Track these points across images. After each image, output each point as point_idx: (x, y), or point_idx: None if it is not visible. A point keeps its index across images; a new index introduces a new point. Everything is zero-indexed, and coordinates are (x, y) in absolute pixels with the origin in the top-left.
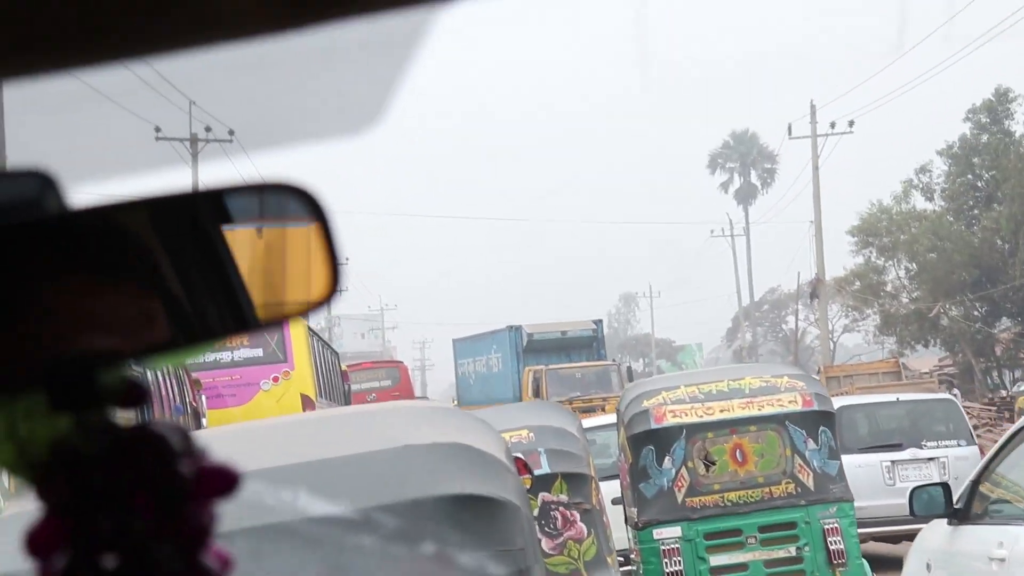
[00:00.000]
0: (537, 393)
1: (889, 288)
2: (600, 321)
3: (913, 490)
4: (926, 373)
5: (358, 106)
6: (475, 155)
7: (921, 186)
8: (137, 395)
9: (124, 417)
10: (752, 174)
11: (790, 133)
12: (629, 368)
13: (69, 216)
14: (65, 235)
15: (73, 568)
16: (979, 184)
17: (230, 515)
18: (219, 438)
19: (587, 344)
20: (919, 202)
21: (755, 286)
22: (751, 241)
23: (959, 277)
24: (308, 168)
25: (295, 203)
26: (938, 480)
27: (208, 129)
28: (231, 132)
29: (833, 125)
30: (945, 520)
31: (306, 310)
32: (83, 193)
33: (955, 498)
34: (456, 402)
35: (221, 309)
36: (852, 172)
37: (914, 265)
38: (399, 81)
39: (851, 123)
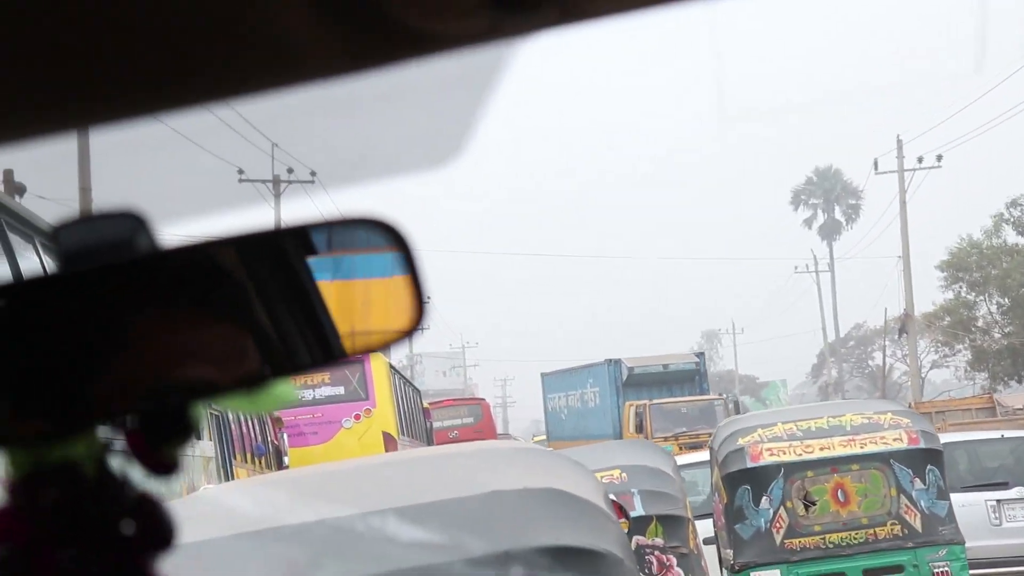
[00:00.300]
0: (640, 429)
1: (980, 323)
2: (702, 354)
3: None
4: (1020, 409)
5: (438, 141)
6: (555, 195)
7: (1012, 220)
8: (174, 465)
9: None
10: (836, 210)
11: (876, 168)
12: (736, 402)
13: (162, 255)
14: (159, 273)
15: (8, 564)
16: None
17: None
18: (305, 480)
19: (689, 378)
20: (1010, 236)
21: (840, 322)
22: (836, 277)
23: None
24: (387, 205)
25: (379, 236)
26: None
27: (290, 171)
28: (313, 173)
29: (920, 160)
30: None
31: (391, 341)
32: (172, 234)
33: None
34: (546, 438)
35: (308, 341)
36: (940, 206)
37: (1006, 300)
38: (479, 116)
39: (939, 157)
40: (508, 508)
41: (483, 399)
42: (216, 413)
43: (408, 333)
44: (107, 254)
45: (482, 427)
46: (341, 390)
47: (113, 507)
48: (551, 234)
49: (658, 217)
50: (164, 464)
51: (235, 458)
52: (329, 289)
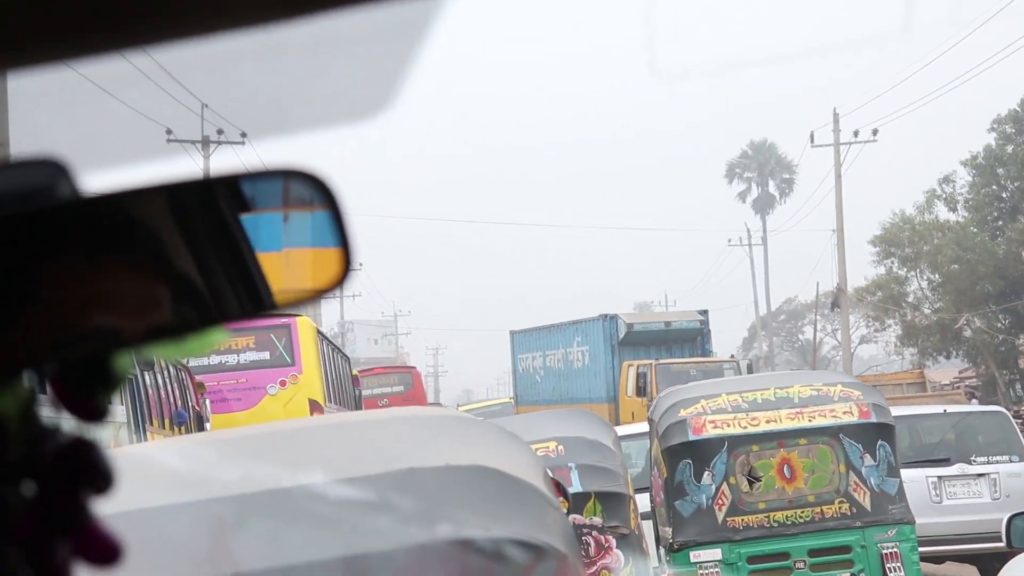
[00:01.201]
0: (642, 392)
1: (911, 299)
2: (706, 312)
3: (1012, 517)
4: (947, 385)
5: (365, 95)
6: (486, 162)
7: (944, 196)
8: (102, 411)
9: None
10: (770, 184)
11: (812, 141)
12: (749, 365)
13: (83, 203)
14: (77, 221)
15: None
16: (1004, 195)
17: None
18: (189, 448)
19: (692, 337)
20: (942, 212)
21: (772, 296)
22: (768, 251)
23: (983, 288)
24: (317, 163)
25: (306, 188)
26: (988, 497)
27: (220, 132)
28: (243, 134)
29: (856, 133)
30: None
31: (320, 293)
32: (97, 184)
33: None
34: (512, 402)
35: (238, 292)
36: (874, 182)
37: (937, 276)
38: (406, 72)
39: (875, 132)
40: (426, 489)
41: (414, 367)
42: (129, 376)
43: (337, 285)
44: (26, 202)
45: (412, 395)
46: (267, 355)
47: (40, 454)
48: (482, 203)
49: (593, 188)
50: (91, 411)
51: (151, 424)
52: (258, 240)
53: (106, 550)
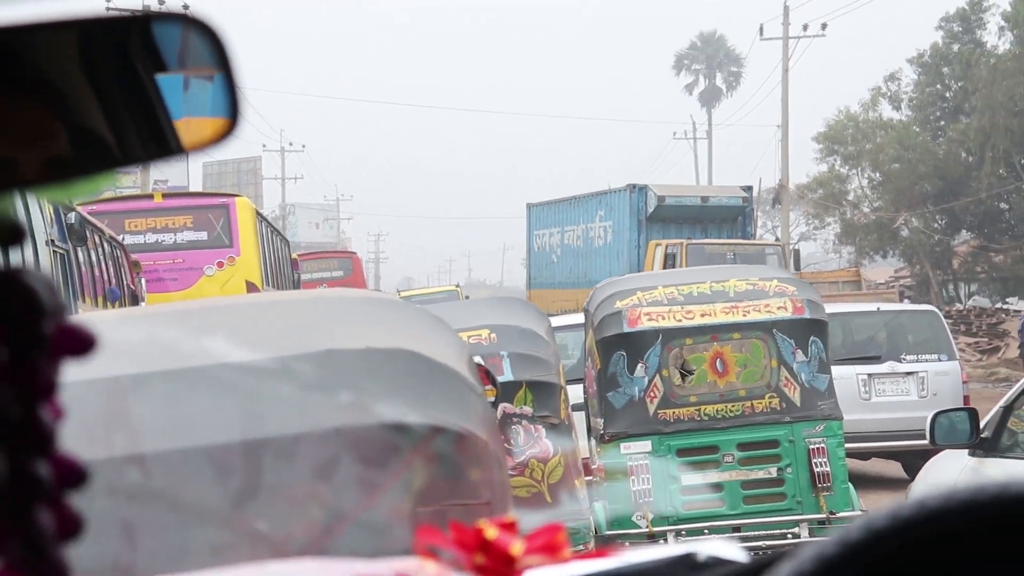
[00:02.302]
0: None
1: (851, 197)
2: (751, 188)
3: (935, 415)
4: (882, 284)
5: None
6: (434, 41)
7: (889, 94)
8: (13, 234)
9: None
10: (718, 77)
11: (761, 34)
12: (796, 251)
13: None
14: None
15: None
16: (947, 95)
17: None
18: (112, 321)
19: (732, 217)
20: (887, 111)
21: None
22: (713, 145)
23: (922, 188)
24: (247, 44)
25: (195, 35)
26: (916, 395)
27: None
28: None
29: (806, 27)
30: (966, 451)
31: (216, 140)
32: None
33: (981, 426)
34: (527, 285)
35: (142, 134)
36: (821, 78)
37: (878, 174)
38: None
39: (824, 26)
40: (344, 373)
41: (354, 252)
42: (61, 252)
43: (228, 133)
44: None
45: (352, 281)
46: (204, 236)
47: None
48: (430, 88)
49: (539, 74)
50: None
51: (83, 301)
52: (162, 84)
53: (81, 340)
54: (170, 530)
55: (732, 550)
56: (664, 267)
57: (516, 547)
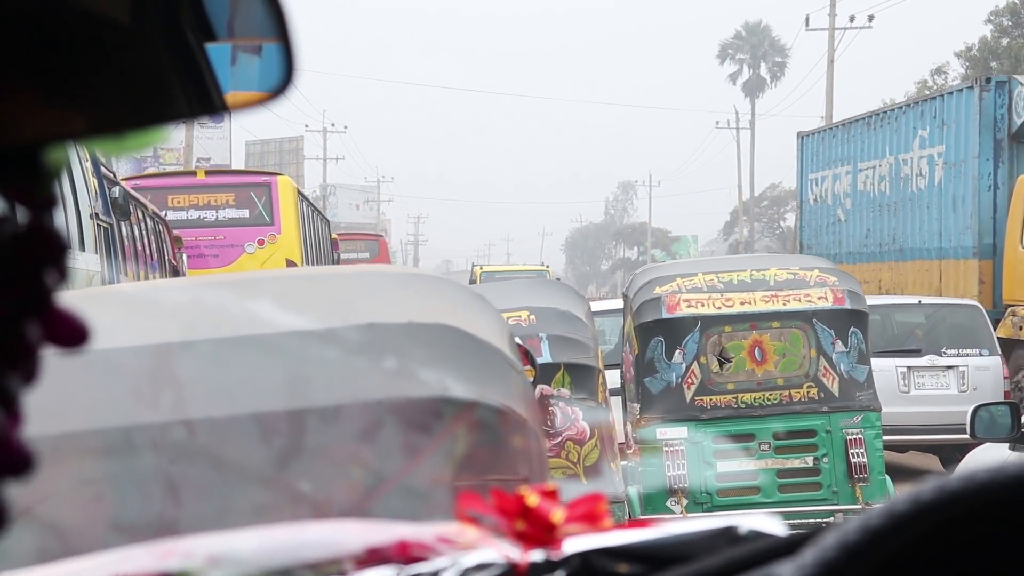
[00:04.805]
0: None
1: None
2: None
3: (976, 409)
4: None
5: None
6: (475, 32)
7: (936, 87)
8: (50, 200)
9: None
10: (762, 67)
11: (807, 25)
12: None
13: None
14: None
15: None
16: None
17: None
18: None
19: None
20: None
21: (756, 181)
22: (756, 135)
23: None
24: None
25: None
26: (955, 390)
27: None
28: None
29: (852, 19)
30: (1007, 445)
31: (266, 100)
32: None
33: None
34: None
35: (187, 90)
36: (866, 71)
37: None
38: None
39: (871, 18)
40: (387, 344)
41: (381, 235)
42: (105, 225)
43: (281, 92)
44: None
45: (377, 263)
46: (246, 213)
47: None
48: (471, 73)
49: (583, 62)
50: (34, 200)
51: (125, 276)
52: (208, 37)
53: (74, 331)
54: (214, 490)
55: (773, 524)
56: None
57: (557, 515)
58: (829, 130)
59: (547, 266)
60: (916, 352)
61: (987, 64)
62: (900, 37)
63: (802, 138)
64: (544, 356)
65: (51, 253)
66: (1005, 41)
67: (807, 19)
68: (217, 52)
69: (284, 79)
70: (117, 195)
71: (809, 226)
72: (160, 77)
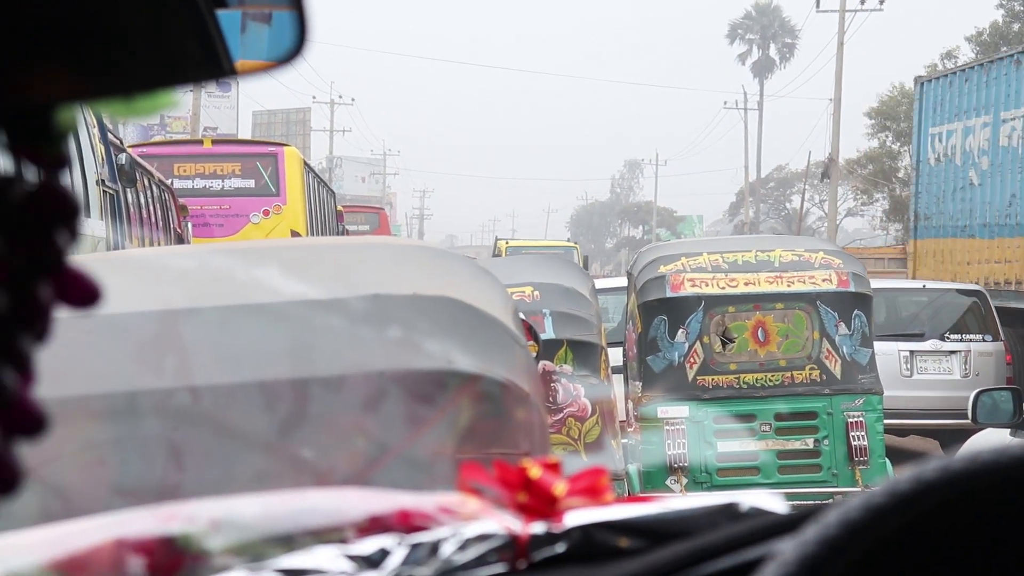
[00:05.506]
0: None
1: (901, 174)
2: None
3: (978, 394)
4: None
5: None
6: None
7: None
8: (61, 159)
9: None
10: (772, 47)
11: (818, 6)
12: None
13: None
14: None
15: None
16: None
17: None
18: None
19: None
20: None
21: (763, 162)
22: (763, 116)
23: None
24: None
25: None
26: (958, 375)
27: None
28: None
29: (863, 1)
30: (1008, 431)
31: (277, 65)
32: None
33: None
34: (911, 232)
35: (196, 54)
36: (876, 54)
37: None
38: None
39: (881, 0)
40: (391, 314)
41: (382, 208)
42: (111, 192)
43: (291, 60)
44: None
45: (378, 235)
46: (252, 183)
47: (7, 199)
48: (481, 48)
49: (590, 40)
50: (45, 160)
51: (130, 243)
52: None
53: (86, 291)
54: (217, 455)
55: (774, 502)
56: None
57: (559, 487)
58: (961, 72)
59: (576, 243)
60: (919, 336)
61: (997, 49)
62: (911, 19)
63: (921, 84)
64: (547, 332)
65: (62, 213)
66: (1016, 26)
67: (817, 0)
68: (228, 18)
69: (295, 47)
70: (123, 162)
71: (928, 191)
72: (171, 40)
